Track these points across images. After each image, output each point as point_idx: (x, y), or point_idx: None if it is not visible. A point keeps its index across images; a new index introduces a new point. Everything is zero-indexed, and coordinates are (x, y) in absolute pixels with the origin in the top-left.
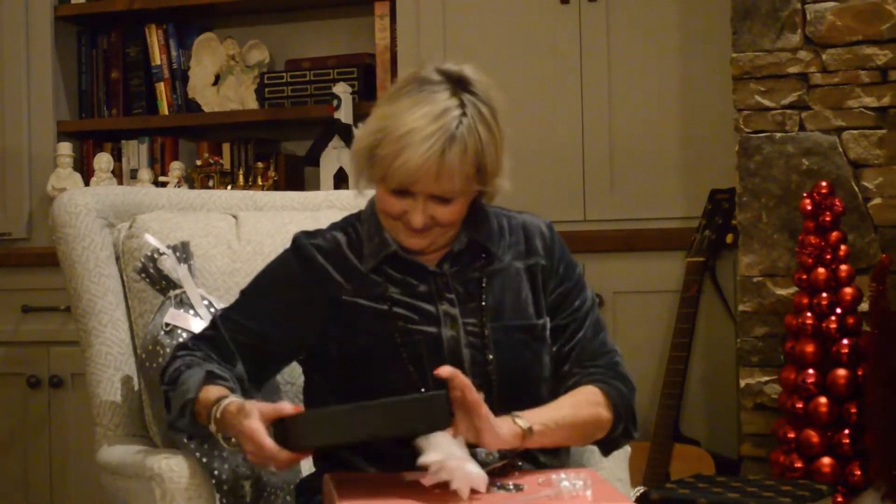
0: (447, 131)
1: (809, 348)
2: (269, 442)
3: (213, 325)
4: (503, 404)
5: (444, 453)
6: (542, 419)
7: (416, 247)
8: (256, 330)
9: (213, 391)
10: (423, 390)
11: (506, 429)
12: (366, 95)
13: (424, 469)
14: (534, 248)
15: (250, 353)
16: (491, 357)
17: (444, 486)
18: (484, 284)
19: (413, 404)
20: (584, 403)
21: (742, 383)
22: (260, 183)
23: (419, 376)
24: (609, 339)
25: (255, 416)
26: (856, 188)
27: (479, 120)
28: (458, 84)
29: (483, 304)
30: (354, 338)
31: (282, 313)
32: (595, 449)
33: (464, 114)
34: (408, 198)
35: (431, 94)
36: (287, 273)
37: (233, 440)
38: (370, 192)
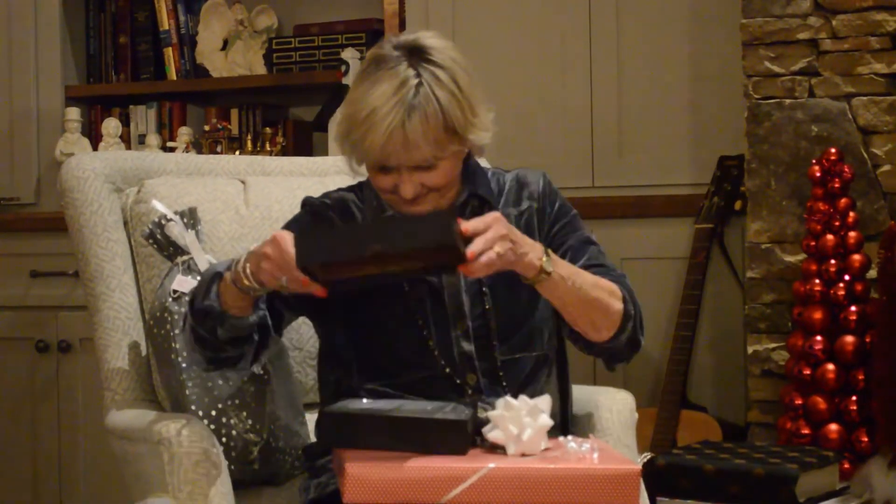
0: (404, 104)
1: (817, 315)
2: (292, 250)
3: None
4: (504, 348)
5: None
6: (565, 273)
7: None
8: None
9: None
10: (431, 342)
11: (532, 257)
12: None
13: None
14: (527, 194)
15: (268, 302)
16: (488, 305)
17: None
18: None
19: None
20: (602, 283)
21: (750, 350)
22: (268, 148)
23: (423, 321)
24: (616, 267)
25: (286, 237)
26: (865, 155)
27: (436, 85)
28: (414, 54)
29: None
30: (361, 294)
31: None
32: (600, 416)
33: (420, 83)
34: (392, 172)
35: (388, 70)
36: (299, 227)
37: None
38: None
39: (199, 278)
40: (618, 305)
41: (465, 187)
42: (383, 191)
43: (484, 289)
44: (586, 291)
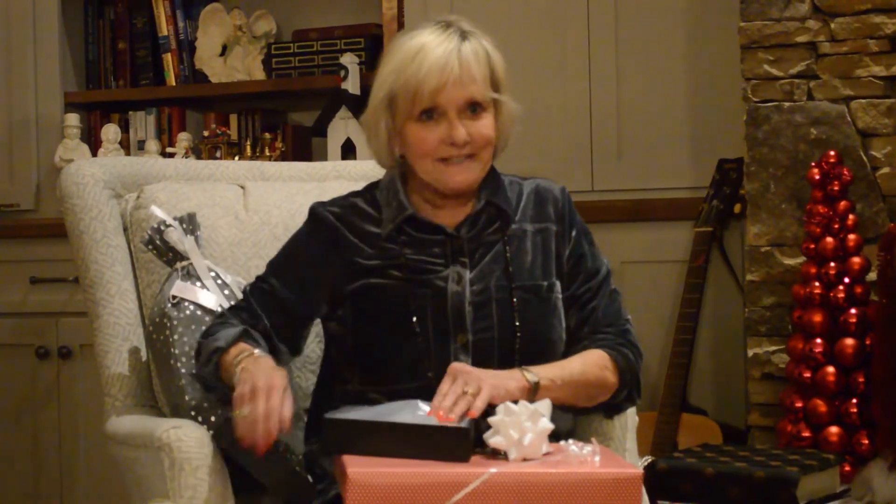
0: (455, 41)
1: (817, 318)
2: (276, 409)
3: (244, 297)
4: (504, 365)
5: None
6: (549, 374)
7: (463, 182)
8: (284, 296)
9: (245, 346)
10: (428, 353)
11: (513, 383)
12: (373, 66)
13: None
14: (546, 213)
15: (281, 318)
16: (494, 316)
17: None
18: (496, 248)
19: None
20: (591, 365)
21: (750, 353)
22: (267, 154)
23: (421, 329)
24: (623, 309)
25: (277, 384)
26: (864, 157)
27: (480, 36)
28: (449, 23)
29: (492, 266)
30: (366, 295)
31: (304, 278)
32: (601, 419)
33: (464, 34)
34: (440, 122)
35: (425, 28)
36: (307, 241)
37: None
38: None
39: (197, 284)
40: (612, 379)
41: (483, 195)
42: (425, 153)
43: (489, 298)
44: (578, 380)
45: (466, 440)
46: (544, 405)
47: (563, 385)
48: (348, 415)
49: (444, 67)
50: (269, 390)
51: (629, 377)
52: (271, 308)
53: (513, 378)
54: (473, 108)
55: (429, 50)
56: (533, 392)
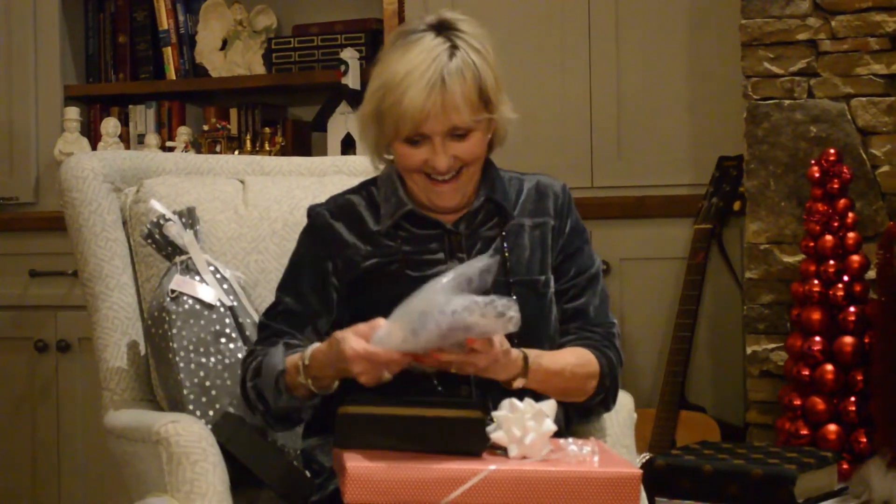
0: (442, 63)
1: (816, 316)
2: (378, 350)
3: (261, 327)
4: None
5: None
6: (541, 376)
7: (449, 202)
8: (300, 310)
9: (295, 356)
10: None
11: (503, 375)
12: (373, 61)
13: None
14: (545, 208)
15: (304, 330)
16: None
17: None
18: (494, 244)
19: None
20: (580, 367)
21: (748, 350)
22: (267, 148)
23: None
24: (610, 311)
25: (350, 339)
26: (864, 155)
27: (469, 48)
28: (442, 27)
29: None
30: (364, 293)
31: (314, 287)
32: (600, 416)
33: (454, 46)
34: (425, 144)
35: (418, 39)
36: (307, 250)
37: (331, 384)
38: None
39: (196, 279)
40: (592, 383)
41: (482, 191)
42: (411, 169)
43: (511, 296)
44: (564, 380)
45: (481, 431)
46: (549, 406)
47: (545, 377)
48: (362, 408)
49: (426, 100)
50: (366, 362)
51: (608, 382)
52: (293, 324)
53: (508, 372)
54: (459, 133)
55: (413, 79)
56: (519, 378)
